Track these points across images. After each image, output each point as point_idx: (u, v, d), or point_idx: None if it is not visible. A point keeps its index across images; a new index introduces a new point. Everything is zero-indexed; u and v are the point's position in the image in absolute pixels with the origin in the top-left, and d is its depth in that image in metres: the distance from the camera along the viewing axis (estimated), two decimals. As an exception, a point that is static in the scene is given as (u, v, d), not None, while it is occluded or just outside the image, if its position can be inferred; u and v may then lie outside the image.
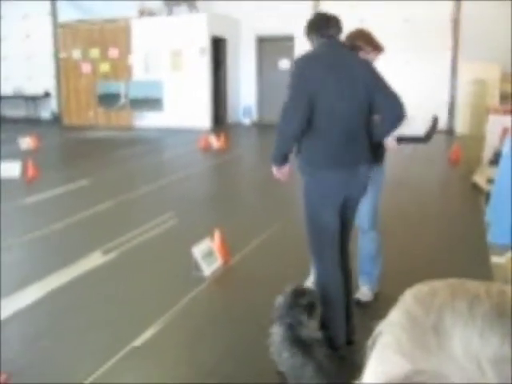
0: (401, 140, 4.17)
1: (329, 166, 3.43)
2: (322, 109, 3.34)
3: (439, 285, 0.49)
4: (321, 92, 3.34)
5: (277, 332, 3.14)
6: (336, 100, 3.38)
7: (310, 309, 3.18)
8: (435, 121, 4.30)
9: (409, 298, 0.48)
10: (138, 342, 3.82)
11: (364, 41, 4.03)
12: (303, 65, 3.46)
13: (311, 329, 3.12)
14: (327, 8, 15.52)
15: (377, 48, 4.08)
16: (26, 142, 12.45)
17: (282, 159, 3.55)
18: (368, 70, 3.55)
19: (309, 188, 3.51)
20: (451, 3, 14.59)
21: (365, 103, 3.47)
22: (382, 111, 3.52)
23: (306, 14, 15.49)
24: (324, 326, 3.40)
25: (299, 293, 3.23)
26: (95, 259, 5.47)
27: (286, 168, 3.60)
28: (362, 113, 3.49)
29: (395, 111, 3.52)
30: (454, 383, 0.41)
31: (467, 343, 0.43)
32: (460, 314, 0.44)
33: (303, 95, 3.34)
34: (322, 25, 3.55)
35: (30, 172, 9.29)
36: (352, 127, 3.46)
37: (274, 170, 3.64)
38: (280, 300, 3.22)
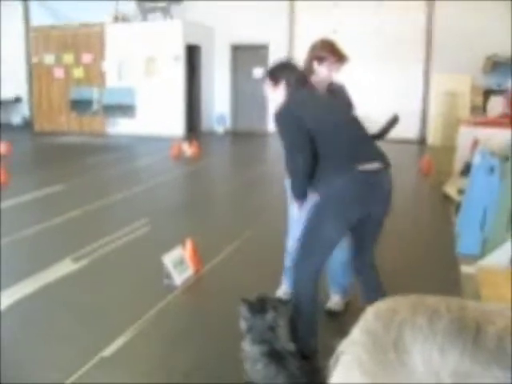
0: None
1: (343, 184, 3.39)
2: (321, 137, 3.43)
3: (399, 301, 0.48)
4: (314, 124, 3.43)
5: (249, 346, 3.11)
6: (330, 122, 3.52)
7: (275, 317, 3.16)
8: (394, 119, 4.27)
9: (369, 316, 0.48)
10: (107, 352, 3.77)
11: (328, 51, 4.08)
12: (289, 111, 3.53)
13: (283, 340, 3.11)
14: (301, 18, 15.69)
15: (341, 58, 4.11)
16: (-4, 147, 12.29)
17: (303, 195, 3.63)
18: (345, 93, 3.77)
19: (324, 205, 3.44)
20: (424, 15, 14.79)
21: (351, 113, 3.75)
22: None
23: (280, 22, 15.66)
24: (294, 334, 3.37)
25: (261, 302, 3.21)
26: (65, 266, 5.40)
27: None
28: (354, 119, 3.69)
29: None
30: None
31: (427, 359, 0.42)
32: (420, 330, 0.44)
33: (301, 135, 3.42)
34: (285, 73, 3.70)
35: (1, 177, 9.16)
36: (353, 132, 3.59)
37: (298, 204, 3.71)
38: (244, 313, 3.19)
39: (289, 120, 3.51)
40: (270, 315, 3.12)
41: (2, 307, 4.48)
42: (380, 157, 3.47)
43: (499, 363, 0.41)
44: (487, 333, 0.42)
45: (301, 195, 3.65)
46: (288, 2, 15.81)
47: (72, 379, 3.44)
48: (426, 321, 0.45)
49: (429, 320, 0.45)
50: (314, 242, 3.47)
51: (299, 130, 3.44)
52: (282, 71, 3.70)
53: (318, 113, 3.56)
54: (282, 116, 3.56)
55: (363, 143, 3.56)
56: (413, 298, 0.48)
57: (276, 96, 3.70)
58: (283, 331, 3.16)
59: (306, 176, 3.50)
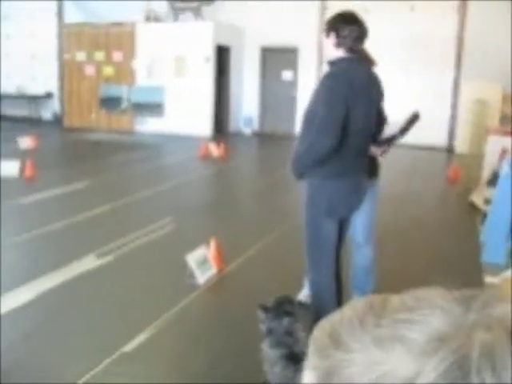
0: (380, 144, 4.08)
1: (339, 177, 3.45)
2: (350, 124, 3.34)
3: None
4: (352, 108, 3.32)
5: (268, 348, 3.13)
6: (362, 117, 3.40)
7: (292, 322, 3.17)
8: (414, 117, 4.19)
9: (316, 330, 0.53)
10: (128, 348, 3.81)
11: (361, 57, 4.03)
12: (338, 80, 3.38)
13: (303, 342, 3.12)
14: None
15: (369, 63, 4.06)
16: (26, 142, 12.46)
17: (299, 175, 3.56)
18: (382, 91, 3.65)
19: (315, 197, 3.51)
20: (456, 21, 14.66)
21: (376, 120, 3.59)
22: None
23: (310, 26, 15.65)
24: None
25: (277, 307, 3.22)
26: (89, 262, 5.46)
27: None
28: (372, 129, 3.56)
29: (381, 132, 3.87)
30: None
31: (354, 334, 0.48)
32: (345, 316, 0.50)
33: (341, 109, 3.28)
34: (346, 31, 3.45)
35: (29, 172, 9.29)
36: (365, 142, 3.55)
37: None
38: (261, 317, 3.21)
39: (340, 91, 3.31)
40: (285, 321, 3.14)
41: (26, 300, 4.55)
42: (367, 171, 3.69)
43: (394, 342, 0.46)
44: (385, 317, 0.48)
45: (296, 175, 3.56)
46: (319, 5, 15.78)
47: (94, 371, 3.49)
48: (350, 309, 0.51)
49: (351, 307, 0.52)
50: (318, 243, 3.57)
51: (345, 110, 3.28)
52: (336, 22, 3.45)
53: (361, 106, 3.39)
54: (335, 82, 3.38)
55: (365, 153, 3.63)
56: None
57: (326, 48, 3.51)
58: (303, 334, 3.17)
59: (318, 162, 3.38)
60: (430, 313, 0.46)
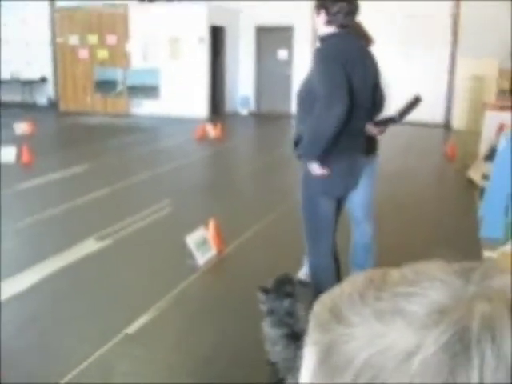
0: (377, 124, 4.05)
1: (335, 156, 3.44)
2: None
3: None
4: (351, 83, 3.27)
5: (269, 328, 3.15)
6: (356, 93, 3.35)
7: (293, 302, 3.18)
8: (415, 100, 4.16)
9: (317, 305, 0.53)
10: (130, 330, 3.84)
11: (353, 32, 4.01)
12: (330, 53, 3.34)
13: (303, 321, 3.14)
14: None
15: (366, 40, 4.04)
16: (22, 127, 12.40)
17: (319, 155, 3.36)
18: (377, 67, 3.63)
19: (309, 179, 3.50)
20: (451, -2, 14.57)
21: (372, 98, 3.57)
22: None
23: (305, 4, 15.51)
24: None
25: (277, 288, 3.23)
26: (89, 246, 5.48)
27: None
28: (368, 108, 3.56)
29: (381, 112, 3.88)
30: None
31: (354, 309, 0.47)
32: (346, 291, 0.50)
33: (341, 74, 3.21)
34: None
35: (25, 157, 9.27)
36: (361, 121, 3.53)
37: (314, 167, 3.41)
38: (261, 299, 3.22)
39: (336, 60, 3.26)
40: (286, 302, 3.15)
41: (28, 284, 4.57)
42: (364, 150, 3.65)
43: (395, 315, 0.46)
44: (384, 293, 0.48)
45: (318, 154, 3.34)
46: (313, -17, 15.65)
47: (98, 354, 3.52)
48: (348, 283, 0.51)
49: (350, 281, 0.51)
50: (315, 223, 3.58)
51: (345, 76, 3.20)
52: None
53: (355, 81, 3.32)
54: (328, 53, 3.33)
55: (361, 132, 3.60)
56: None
57: (317, 26, 3.46)
58: (303, 314, 3.19)
59: (334, 135, 3.24)
60: (429, 286, 0.47)
